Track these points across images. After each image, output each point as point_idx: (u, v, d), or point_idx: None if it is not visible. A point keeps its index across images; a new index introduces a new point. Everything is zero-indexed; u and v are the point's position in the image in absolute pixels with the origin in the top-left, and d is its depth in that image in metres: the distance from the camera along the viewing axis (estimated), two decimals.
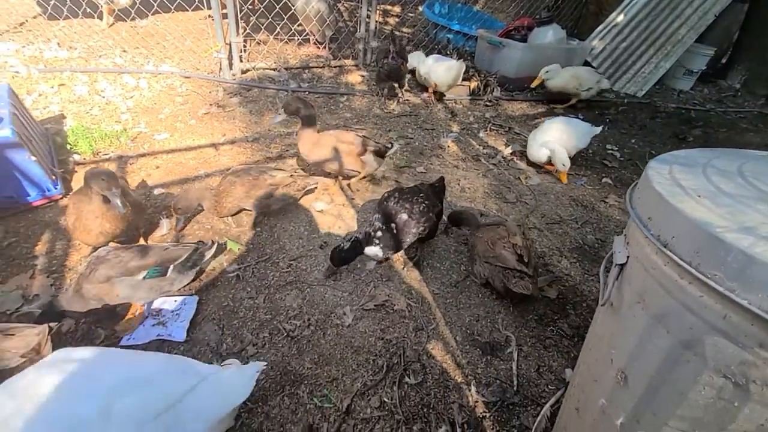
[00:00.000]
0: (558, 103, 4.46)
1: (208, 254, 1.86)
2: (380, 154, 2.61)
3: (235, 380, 1.17)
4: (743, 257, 0.59)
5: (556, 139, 3.02)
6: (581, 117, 4.31)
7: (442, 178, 2.25)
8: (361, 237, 1.92)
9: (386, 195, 2.04)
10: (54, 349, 1.29)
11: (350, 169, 2.54)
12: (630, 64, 5.18)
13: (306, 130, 2.44)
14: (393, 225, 1.92)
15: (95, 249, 2.03)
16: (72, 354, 1.03)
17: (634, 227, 0.84)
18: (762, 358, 0.60)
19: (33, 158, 2.12)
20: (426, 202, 1.99)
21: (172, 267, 1.71)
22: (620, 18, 5.09)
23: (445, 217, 2.34)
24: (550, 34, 4.71)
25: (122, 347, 1.61)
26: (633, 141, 3.95)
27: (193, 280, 1.88)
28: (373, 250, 1.92)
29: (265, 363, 1.30)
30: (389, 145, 2.66)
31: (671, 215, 0.72)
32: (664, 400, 0.77)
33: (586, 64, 5.13)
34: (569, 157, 3.06)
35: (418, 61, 4.28)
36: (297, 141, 2.49)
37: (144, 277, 1.63)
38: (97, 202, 1.71)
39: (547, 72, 4.15)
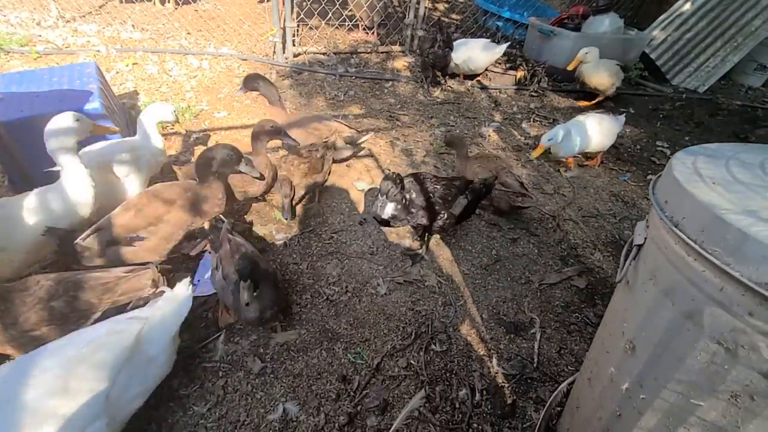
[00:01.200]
0: (589, 99, 4.21)
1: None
2: (351, 140, 2.74)
3: (175, 304, 1.46)
4: (740, 235, 0.66)
5: (590, 134, 2.90)
6: (632, 111, 4.17)
7: (493, 179, 2.22)
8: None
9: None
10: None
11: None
12: (693, 57, 4.88)
13: (273, 108, 2.62)
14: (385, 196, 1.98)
15: None
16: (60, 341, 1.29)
17: (653, 212, 0.91)
18: (750, 325, 0.68)
19: (116, 128, 2.42)
20: (428, 191, 2.03)
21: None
22: (687, 6, 4.79)
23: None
24: (606, 23, 4.52)
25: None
26: (687, 138, 3.77)
27: None
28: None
29: (190, 279, 1.57)
30: (363, 133, 2.80)
31: (684, 198, 0.79)
32: (664, 366, 0.85)
33: (644, 55, 4.89)
34: (597, 152, 2.97)
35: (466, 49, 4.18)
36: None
37: None
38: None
39: (586, 53, 3.73)
